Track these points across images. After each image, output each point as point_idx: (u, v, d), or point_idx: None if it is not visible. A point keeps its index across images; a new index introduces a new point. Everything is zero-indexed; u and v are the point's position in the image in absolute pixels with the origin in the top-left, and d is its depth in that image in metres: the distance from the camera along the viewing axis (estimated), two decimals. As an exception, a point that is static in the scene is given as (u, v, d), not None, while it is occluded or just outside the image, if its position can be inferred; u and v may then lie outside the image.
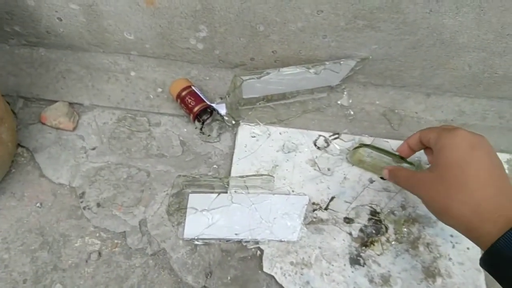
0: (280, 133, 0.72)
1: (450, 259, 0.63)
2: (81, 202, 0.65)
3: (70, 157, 0.69)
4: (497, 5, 0.55)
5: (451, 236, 0.65)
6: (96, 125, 0.72)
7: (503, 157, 0.72)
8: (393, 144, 0.71)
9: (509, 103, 0.75)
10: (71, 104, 0.73)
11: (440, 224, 0.65)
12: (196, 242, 0.62)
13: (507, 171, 0.70)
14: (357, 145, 0.68)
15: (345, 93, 0.76)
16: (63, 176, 0.67)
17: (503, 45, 0.62)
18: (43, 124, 0.71)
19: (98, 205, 0.65)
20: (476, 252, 0.63)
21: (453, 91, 0.75)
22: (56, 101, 0.72)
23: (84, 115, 0.73)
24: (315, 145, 0.72)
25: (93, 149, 0.70)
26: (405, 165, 0.63)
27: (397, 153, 0.63)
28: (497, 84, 0.71)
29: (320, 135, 0.73)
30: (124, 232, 0.63)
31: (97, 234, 0.63)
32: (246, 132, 0.72)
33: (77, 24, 0.69)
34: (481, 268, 0.62)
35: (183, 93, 0.69)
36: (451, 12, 0.57)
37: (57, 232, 0.63)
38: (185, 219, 0.64)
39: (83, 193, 0.66)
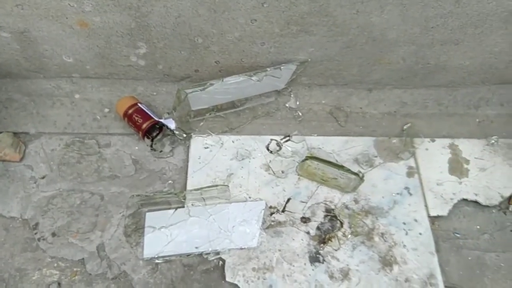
0: (232, 141, 0.73)
1: (404, 246, 0.66)
2: (35, 233, 0.64)
3: (20, 188, 0.67)
4: (417, 1, 0.58)
5: (404, 223, 0.68)
6: (44, 153, 0.70)
7: (445, 142, 0.76)
8: (341, 141, 0.74)
9: (445, 90, 0.79)
10: (16, 134, 0.71)
11: (393, 213, 0.68)
12: (157, 261, 0.62)
13: (449, 155, 0.74)
14: (304, 158, 0.69)
15: (292, 95, 0.78)
16: (14, 209, 0.65)
17: (430, 37, 0.65)
18: (-13, 158, 0.68)
19: (53, 234, 0.64)
20: (428, 237, 0.67)
21: (393, 84, 0.78)
22: (-1, 133, 0.70)
23: (31, 143, 0.71)
24: (268, 149, 0.73)
25: (43, 177, 0.68)
26: (351, 175, 0.65)
27: (341, 164, 0.65)
28: (432, 73, 0.75)
29: (272, 139, 0.74)
30: (83, 259, 0.62)
31: (55, 264, 0.62)
32: (198, 144, 0.73)
33: (12, 52, 0.67)
34: (434, 251, 0.65)
35: (130, 111, 0.69)
36: (376, 11, 0.59)
37: (13, 268, 0.61)
38: (143, 238, 0.63)
39: (36, 224, 0.64)
